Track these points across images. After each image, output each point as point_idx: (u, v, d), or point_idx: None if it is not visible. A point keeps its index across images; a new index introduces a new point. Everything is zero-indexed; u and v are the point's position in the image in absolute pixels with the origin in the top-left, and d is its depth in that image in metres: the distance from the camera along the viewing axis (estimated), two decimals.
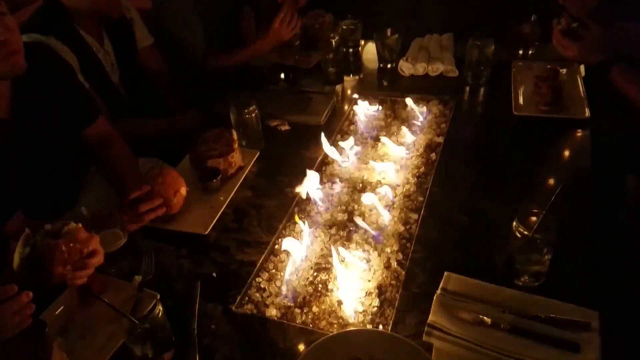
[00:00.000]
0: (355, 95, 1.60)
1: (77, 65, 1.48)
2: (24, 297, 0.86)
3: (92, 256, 0.99)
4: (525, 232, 0.98)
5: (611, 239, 1.18)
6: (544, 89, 1.49)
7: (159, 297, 1.01)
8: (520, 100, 1.53)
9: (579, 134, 1.41)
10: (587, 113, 1.45)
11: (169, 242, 1.19)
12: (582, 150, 1.36)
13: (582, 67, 1.61)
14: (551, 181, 1.27)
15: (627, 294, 1.11)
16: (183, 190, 1.22)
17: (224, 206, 1.25)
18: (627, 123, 1.50)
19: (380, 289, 1.06)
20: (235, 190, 1.30)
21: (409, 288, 1.05)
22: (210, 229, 1.20)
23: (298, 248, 1.11)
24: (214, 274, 1.11)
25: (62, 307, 1.07)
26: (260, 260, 1.13)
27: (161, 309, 0.92)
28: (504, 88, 1.58)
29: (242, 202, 1.30)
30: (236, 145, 1.33)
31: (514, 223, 0.99)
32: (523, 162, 1.33)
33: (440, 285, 1.02)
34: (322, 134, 1.40)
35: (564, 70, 1.61)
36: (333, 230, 1.22)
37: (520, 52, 1.75)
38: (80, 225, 0.99)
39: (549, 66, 1.58)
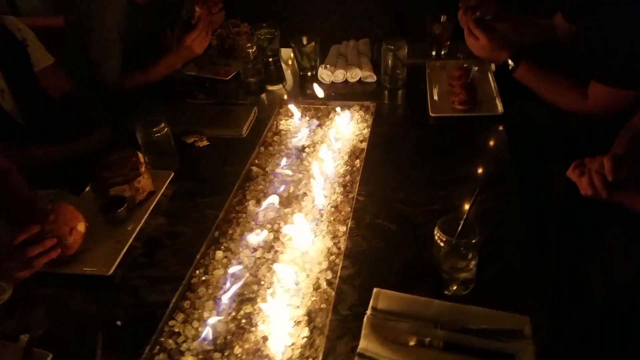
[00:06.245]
0: (294, 108, 1.44)
1: None
2: None
3: None
4: (447, 239, 0.86)
5: (538, 235, 1.10)
6: (457, 88, 1.41)
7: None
8: (437, 101, 1.43)
9: (497, 129, 1.33)
10: (501, 109, 1.37)
11: (67, 288, 0.97)
12: (501, 145, 1.27)
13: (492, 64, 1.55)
14: (474, 179, 1.17)
15: (558, 292, 1.04)
16: (81, 227, 0.99)
17: (132, 239, 1.04)
18: (541, 114, 1.44)
19: (310, 316, 0.91)
20: (144, 218, 1.09)
21: (339, 311, 0.90)
22: (115, 267, 0.98)
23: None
24: (119, 322, 0.89)
25: None
26: (174, 299, 0.94)
27: None
28: (422, 89, 1.48)
29: (154, 232, 1.09)
30: (143, 169, 1.12)
31: (435, 231, 0.87)
32: (445, 162, 1.22)
33: (370, 303, 0.89)
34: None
35: (475, 68, 1.53)
36: (258, 253, 1.04)
37: (434, 52, 1.66)
38: None
39: (457, 65, 1.50)
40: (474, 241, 0.87)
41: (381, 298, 0.89)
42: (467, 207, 0.87)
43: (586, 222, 1.29)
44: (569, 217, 1.41)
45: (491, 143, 1.31)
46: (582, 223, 1.31)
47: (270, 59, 1.61)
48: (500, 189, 1.09)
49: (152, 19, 1.65)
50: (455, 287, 0.90)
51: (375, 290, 0.91)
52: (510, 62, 1.36)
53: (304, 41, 1.57)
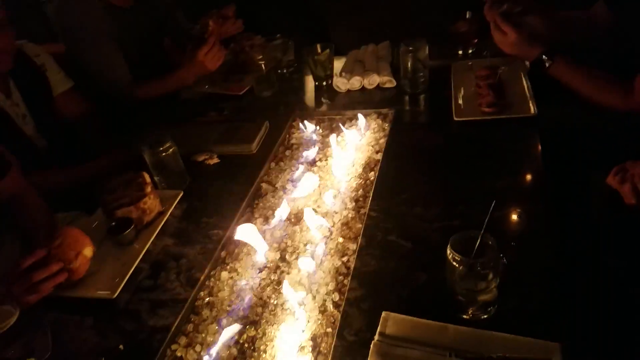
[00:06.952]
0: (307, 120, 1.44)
1: None
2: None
3: None
4: (462, 259, 0.81)
5: (571, 252, 1.01)
6: (484, 90, 1.34)
7: None
8: (461, 104, 1.38)
9: (528, 133, 1.24)
10: (533, 110, 1.30)
11: (71, 312, 1.00)
12: (533, 150, 1.19)
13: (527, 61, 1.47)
14: (501, 191, 1.09)
15: (591, 315, 0.94)
16: (87, 251, 1.03)
17: (137, 261, 1.06)
18: (579, 115, 1.35)
19: (315, 340, 0.88)
20: (152, 240, 1.11)
21: (345, 336, 0.87)
22: (119, 291, 1.01)
23: None
24: (121, 347, 0.91)
25: None
26: (176, 323, 0.94)
27: None
28: (446, 93, 1.43)
29: (160, 254, 1.11)
30: (149, 189, 1.15)
31: (448, 250, 0.82)
32: (468, 172, 1.16)
33: (378, 329, 0.85)
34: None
35: (505, 67, 1.46)
36: (263, 274, 1.04)
37: (460, 52, 1.61)
38: None
39: (486, 64, 1.43)
40: (493, 259, 0.81)
41: (390, 322, 0.85)
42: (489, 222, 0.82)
43: (631, 235, 1.17)
44: (609, 229, 1.29)
45: (522, 149, 1.22)
46: (626, 236, 1.20)
47: (286, 70, 1.63)
48: (529, 201, 1.02)
49: (137, 23, 1.67)
50: (473, 310, 0.84)
51: (383, 313, 0.87)
52: (544, 57, 1.28)
53: (318, 49, 1.57)
